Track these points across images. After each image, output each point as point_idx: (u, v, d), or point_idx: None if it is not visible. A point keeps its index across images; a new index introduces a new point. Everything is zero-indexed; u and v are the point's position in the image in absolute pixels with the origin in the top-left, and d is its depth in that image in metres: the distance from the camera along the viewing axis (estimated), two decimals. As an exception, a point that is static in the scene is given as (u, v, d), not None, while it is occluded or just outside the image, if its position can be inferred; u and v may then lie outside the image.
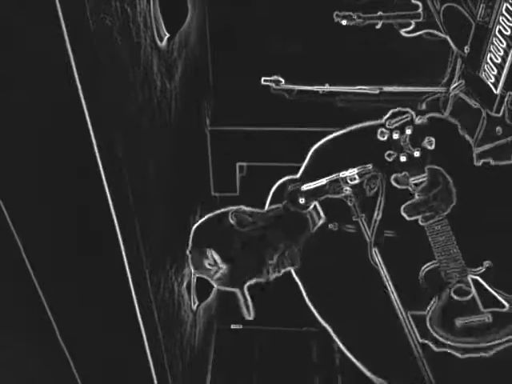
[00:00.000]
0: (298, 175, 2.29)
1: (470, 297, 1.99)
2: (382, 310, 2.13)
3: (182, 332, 2.79)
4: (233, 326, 3.65)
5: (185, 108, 2.81)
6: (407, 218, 1.98)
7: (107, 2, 1.75)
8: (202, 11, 3.14)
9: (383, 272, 1.95)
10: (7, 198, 1.78)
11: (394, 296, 1.98)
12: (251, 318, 2.27)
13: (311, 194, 2.00)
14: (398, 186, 1.98)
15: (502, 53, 2.02)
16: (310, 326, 3.70)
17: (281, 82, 2.81)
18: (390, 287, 1.98)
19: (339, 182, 1.95)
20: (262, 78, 2.79)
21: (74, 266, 2.03)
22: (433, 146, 1.93)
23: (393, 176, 1.99)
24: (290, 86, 2.86)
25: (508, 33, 1.97)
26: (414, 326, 2.05)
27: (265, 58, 3.15)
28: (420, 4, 2.51)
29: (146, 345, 2.21)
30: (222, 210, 2.27)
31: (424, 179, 1.95)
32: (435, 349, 2.06)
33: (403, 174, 1.96)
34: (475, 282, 2.00)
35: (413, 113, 1.97)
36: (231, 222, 2.18)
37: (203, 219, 2.31)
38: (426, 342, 2.05)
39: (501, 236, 2.08)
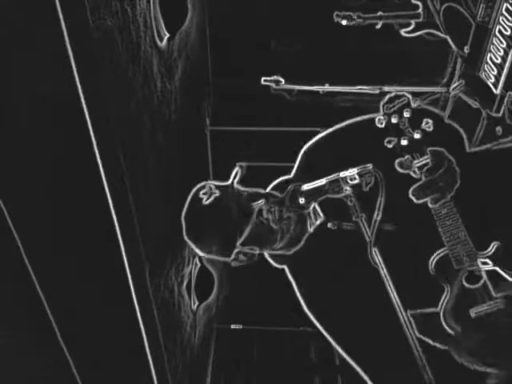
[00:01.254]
0: (292, 175, 2.28)
1: (481, 283, 1.97)
2: (381, 312, 2.11)
3: (182, 332, 2.79)
4: (233, 326, 3.66)
5: (185, 108, 2.81)
6: (415, 201, 1.95)
7: (107, 1, 1.75)
8: (201, 11, 3.14)
9: (383, 272, 1.95)
10: (7, 198, 1.78)
11: (394, 296, 1.97)
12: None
13: (311, 194, 1.99)
14: (402, 171, 1.96)
15: (501, 53, 2.02)
16: (309, 326, 3.71)
17: (281, 81, 2.80)
18: (391, 287, 1.98)
19: (339, 182, 1.94)
20: (262, 78, 2.79)
21: (73, 266, 2.03)
22: (431, 129, 1.91)
23: (396, 161, 1.96)
24: (290, 86, 2.86)
25: (508, 33, 1.97)
26: (414, 326, 2.05)
27: (265, 57, 3.15)
28: (420, 4, 2.51)
29: (146, 345, 2.21)
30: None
31: (427, 161, 1.92)
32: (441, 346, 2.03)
33: (406, 157, 1.94)
34: (485, 264, 1.98)
35: (409, 96, 1.95)
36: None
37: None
38: (432, 343, 2.04)
39: (507, 216, 2.05)
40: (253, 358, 3.63)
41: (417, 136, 1.91)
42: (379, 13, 2.60)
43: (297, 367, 3.58)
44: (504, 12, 1.98)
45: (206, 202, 2.11)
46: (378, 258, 1.94)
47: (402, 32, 2.58)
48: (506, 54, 1.98)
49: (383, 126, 1.95)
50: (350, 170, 1.93)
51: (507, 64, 1.98)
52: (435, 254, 2.00)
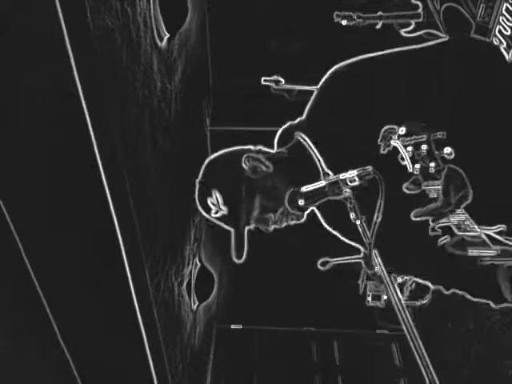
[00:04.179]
0: (304, 116, 2.20)
1: (481, 238, 1.96)
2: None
3: (182, 332, 2.79)
4: (233, 326, 3.66)
5: (185, 108, 2.81)
6: (414, 219, 1.94)
7: (107, 2, 1.75)
8: (202, 11, 3.14)
9: (383, 273, 1.95)
10: (7, 197, 1.78)
11: (394, 298, 1.97)
12: (241, 261, 2.22)
13: (311, 196, 1.99)
14: (408, 192, 1.95)
15: (502, 53, 2.02)
16: (310, 326, 3.71)
17: (281, 81, 2.80)
18: (391, 289, 1.97)
19: (339, 184, 1.94)
20: (262, 78, 2.79)
21: (73, 266, 2.03)
22: (452, 156, 1.87)
23: (404, 185, 1.94)
24: (290, 86, 2.86)
25: (508, 33, 1.97)
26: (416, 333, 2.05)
27: (265, 58, 3.14)
28: (420, 4, 2.50)
29: (146, 345, 2.21)
30: (240, 147, 2.19)
31: (438, 187, 1.90)
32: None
33: (414, 178, 1.92)
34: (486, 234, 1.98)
35: (428, 133, 1.90)
36: (244, 166, 2.12)
37: (218, 153, 2.24)
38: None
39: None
40: (253, 358, 3.64)
41: (431, 167, 1.89)
42: (379, 13, 2.59)
43: (297, 367, 3.58)
44: (504, 12, 1.98)
45: (215, 214, 2.12)
46: (377, 260, 1.94)
47: (402, 32, 2.58)
48: (506, 53, 1.98)
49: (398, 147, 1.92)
50: (349, 172, 1.92)
51: (507, 64, 1.98)
52: (436, 223, 1.99)
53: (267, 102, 2.95)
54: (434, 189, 1.92)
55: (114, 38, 1.82)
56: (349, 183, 1.92)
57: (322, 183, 1.97)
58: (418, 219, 1.95)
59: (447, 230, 2.02)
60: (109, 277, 2.07)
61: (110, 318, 2.16)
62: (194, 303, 3.02)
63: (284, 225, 2.14)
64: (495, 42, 2.04)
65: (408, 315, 1.93)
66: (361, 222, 1.94)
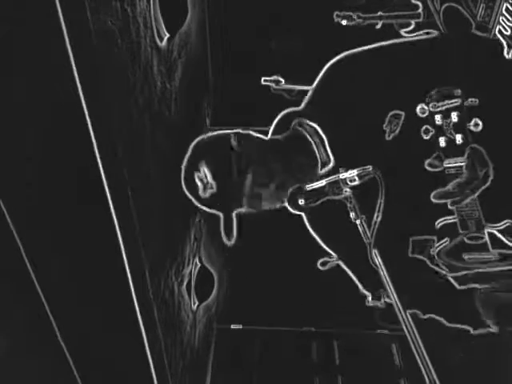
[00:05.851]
0: (301, 106, 2.11)
1: (482, 241, 1.91)
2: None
3: (181, 332, 2.79)
4: (233, 326, 3.66)
5: (185, 108, 2.81)
6: (434, 201, 1.85)
7: (107, 2, 1.75)
8: (202, 11, 3.14)
9: (383, 273, 1.95)
10: (7, 198, 1.78)
11: (393, 298, 1.97)
12: (231, 244, 2.08)
13: (311, 195, 1.99)
14: (431, 169, 1.79)
15: (502, 53, 2.02)
16: (310, 326, 3.71)
17: (281, 82, 2.80)
18: (391, 289, 1.97)
19: (339, 184, 1.94)
20: (262, 78, 2.79)
21: (74, 266, 2.03)
22: (479, 129, 1.71)
23: (427, 161, 1.79)
24: (290, 86, 2.86)
25: (508, 33, 1.97)
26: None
27: (265, 57, 3.15)
28: (420, 4, 2.51)
29: (146, 345, 2.21)
30: (227, 131, 2.10)
31: (461, 164, 1.75)
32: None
33: (437, 154, 1.77)
34: (490, 234, 1.91)
35: (462, 97, 1.72)
36: (233, 143, 2.01)
37: (204, 136, 2.13)
38: None
39: None
40: (253, 358, 3.64)
41: (458, 140, 1.74)
42: (379, 13, 2.60)
43: (297, 367, 3.58)
44: (504, 12, 1.98)
45: (202, 193, 1.98)
46: (377, 260, 1.94)
47: (402, 32, 2.58)
48: (506, 54, 1.98)
49: (424, 116, 1.77)
50: (349, 172, 1.92)
51: (507, 64, 1.98)
52: (442, 219, 1.91)
53: (267, 101, 2.95)
54: (457, 166, 1.77)
55: (114, 38, 1.82)
56: (349, 183, 1.92)
57: (322, 183, 1.97)
58: (438, 201, 1.83)
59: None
60: (109, 277, 2.07)
61: (110, 318, 2.16)
62: (194, 303, 3.02)
63: (278, 205, 2.01)
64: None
65: (408, 315, 1.93)
66: (361, 222, 1.94)
